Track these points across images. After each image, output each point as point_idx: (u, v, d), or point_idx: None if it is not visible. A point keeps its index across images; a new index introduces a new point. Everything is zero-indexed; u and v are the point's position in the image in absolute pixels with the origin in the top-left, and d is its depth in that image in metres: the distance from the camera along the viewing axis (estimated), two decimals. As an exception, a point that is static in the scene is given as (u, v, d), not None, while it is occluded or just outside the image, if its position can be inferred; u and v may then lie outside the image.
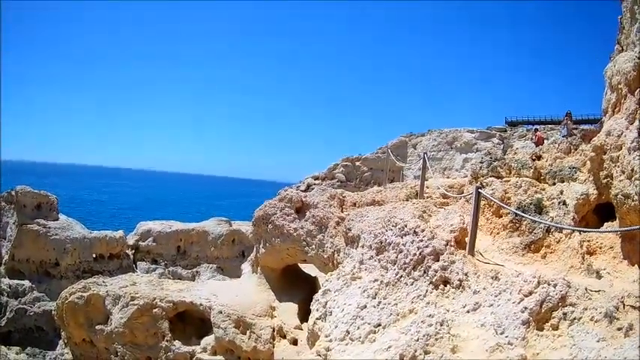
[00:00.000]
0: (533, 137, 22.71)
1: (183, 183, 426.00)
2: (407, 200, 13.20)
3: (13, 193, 45.35)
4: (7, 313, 39.37)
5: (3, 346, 36.83)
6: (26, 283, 41.32)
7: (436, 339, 7.09)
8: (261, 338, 15.92)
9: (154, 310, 18.25)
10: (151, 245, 47.27)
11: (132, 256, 46.98)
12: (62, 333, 21.62)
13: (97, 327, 19.13)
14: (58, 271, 42.41)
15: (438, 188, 13.68)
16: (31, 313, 39.70)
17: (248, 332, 16.22)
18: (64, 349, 32.10)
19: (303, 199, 17.51)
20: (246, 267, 22.58)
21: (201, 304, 17.90)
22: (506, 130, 31.97)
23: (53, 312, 21.29)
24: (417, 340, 7.30)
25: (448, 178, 24.30)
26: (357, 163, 35.92)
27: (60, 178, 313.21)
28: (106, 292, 19.50)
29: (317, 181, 33.14)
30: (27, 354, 36.16)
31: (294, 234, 17.15)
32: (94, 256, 43.87)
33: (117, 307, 18.91)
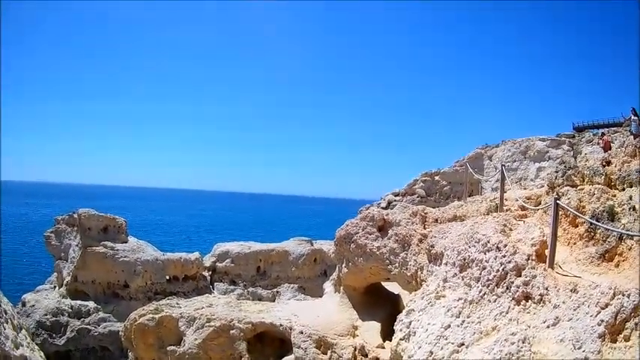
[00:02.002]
0: (600, 142, 22.36)
1: (259, 203, 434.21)
2: (487, 214, 13.20)
3: (75, 215, 47.38)
4: (68, 333, 40.94)
5: None
6: (90, 304, 42.90)
7: (517, 357, 7.19)
8: (342, 358, 16.24)
9: (232, 332, 18.90)
10: (228, 266, 48.35)
11: (209, 278, 48.17)
12: (130, 354, 22.59)
13: (168, 348, 19.91)
14: (127, 293, 43.79)
15: (517, 200, 13.60)
16: (96, 333, 41.21)
17: (329, 352, 16.57)
18: None
19: (385, 217, 17.76)
20: (328, 286, 22.95)
21: (281, 325, 18.41)
22: (574, 136, 31.57)
23: (121, 333, 22.34)
24: (500, 359, 7.48)
25: (525, 189, 24.06)
26: (436, 178, 35.96)
27: (128, 200, 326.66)
28: (180, 313, 20.32)
29: (397, 198, 33.32)
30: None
31: (377, 252, 17.36)
32: (167, 277, 45.07)
33: (191, 328, 19.68)
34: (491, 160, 32.86)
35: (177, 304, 21.68)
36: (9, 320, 17.93)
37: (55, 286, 48.35)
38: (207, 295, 36.52)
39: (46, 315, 41.29)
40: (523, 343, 7.35)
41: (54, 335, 40.55)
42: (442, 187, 35.21)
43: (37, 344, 25.07)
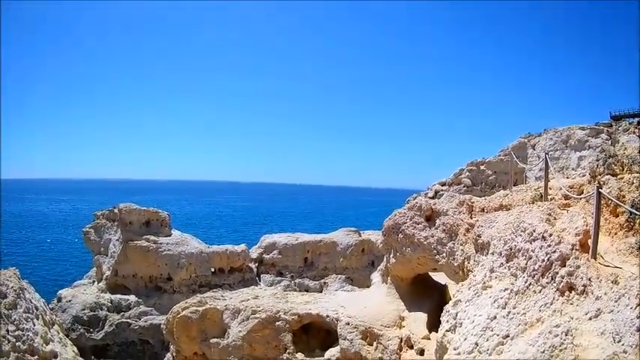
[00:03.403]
0: (636, 131, 22.33)
1: (305, 194, 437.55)
2: (532, 203, 13.22)
3: (115, 210, 48.55)
4: (106, 327, 42.15)
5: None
6: (131, 297, 44.18)
7: (560, 350, 7.26)
8: (387, 349, 16.49)
9: (277, 323, 19.39)
10: (275, 258, 49.08)
11: (255, 269, 48.90)
12: (171, 347, 23.25)
13: (211, 340, 20.53)
14: (170, 286, 44.83)
15: (560, 189, 13.59)
16: (136, 327, 42.43)
17: (375, 343, 16.84)
18: None
19: (433, 207, 17.80)
20: (375, 277, 23.21)
21: (327, 316, 18.80)
22: (611, 125, 31.70)
23: (162, 326, 23.00)
24: (543, 351, 7.46)
25: (567, 178, 24.14)
26: (482, 167, 36.14)
27: (166, 195, 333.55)
28: (225, 305, 20.92)
29: (444, 187, 33.55)
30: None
31: (425, 242, 17.46)
32: (212, 270, 45.97)
33: (236, 320, 20.27)
34: (534, 149, 33.03)
35: (222, 296, 22.30)
36: (40, 316, 19.09)
37: (93, 281, 49.76)
38: (253, 287, 37.15)
39: (83, 310, 42.62)
40: (566, 335, 7.39)
41: (91, 330, 41.79)
42: (487, 176, 35.41)
43: (72, 339, 25.04)
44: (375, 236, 46.27)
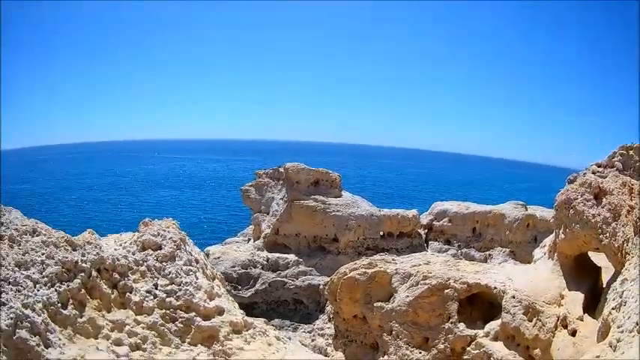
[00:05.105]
0: None
1: (474, 165, 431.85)
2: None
3: (281, 169, 50.48)
4: (258, 285, 44.32)
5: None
6: (290, 256, 46.32)
7: None
8: (545, 327, 16.88)
9: (446, 291, 20.15)
10: (445, 225, 49.95)
11: (424, 236, 50.16)
12: (328, 308, 23.87)
13: (375, 304, 21.61)
14: (335, 247, 46.67)
15: None
16: (291, 286, 44.41)
17: (534, 320, 17.25)
18: (325, 324, 35.34)
19: (600, 185, 17.73)
20: (537, 253, 23.08)
21: (495, 288, 19.32)
22: None
23: (321, 287, 23.85)
24: None
25: None
26: (630, 152, 35.32)
27: (344, 157, 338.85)
28: (395, 269, 21.80)
29: (600, 169, 33.41)
30: (273, 325, 40.28)
31: (592, 220, 17.40)
32: (381, 233, 47.52)
33: (404, 285, 21.17)
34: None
35: (393, 259, 23.13)
36: (201, 269, 18.87)
37: (248, 239, 52.09)
38: (424, 252, 37.89)
39: (233, 267, 45.24)
40: None
41: (239, 287, 44.10)
42: (635, 161, 34.72)
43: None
44: (539, 212, 46.03)
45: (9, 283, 12.97)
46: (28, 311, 12.45)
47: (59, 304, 14.09)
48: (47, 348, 12.24)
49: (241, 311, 18.74)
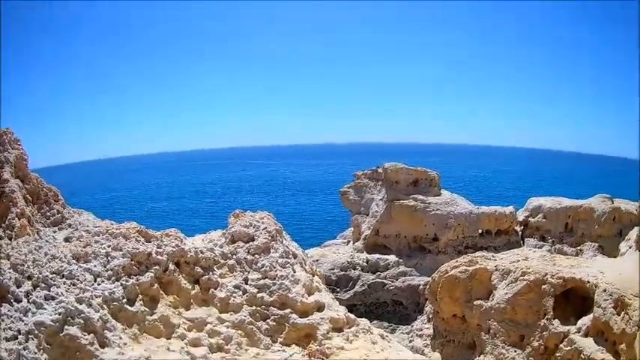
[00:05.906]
0: None
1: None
2: None
3: (380, 170, 50.56)
4: (357, 287, 44.27)
5: None
6: (391, 257, 46.33)
7: None
8: (631, 320, 16.65)
9: (543, 287, 20.16)
10: (540, 222, 49.30)
11: (520, 233, 49.60)
12: (427, 308, 23.83)
13: (475, 302, 21.84)
14: (435, 246, 46.74)
15: None
16: (391, 287, 44.36)
17: (622, 313, 17.08)
18: (423, 325, 35.18)
19: None
20: (623, 246, 22.89)
21: (588, 282, 19.29)
22: None
23: (421, 287, 23.88)
24: None
25: None
26: None
27: (439, 157, 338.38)
28: (495, 266, 21.93)
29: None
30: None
31: None
32: (479, 231, 47.40)
33: (504, 282, 21.22)
34: None
35: (493, 256, 23.22)
36: (299, 264, 17.97)
37: (348, 241, 52.31)
38: (522, 248, 37.34)
39: (332, 269, 45.34)
40: None
41: (338, 289, 43.89)
42: None
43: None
44: (624, 205, 45.55)
45: (62, 276, 12.66)
46: (82, 306, 12.05)
47: (124, 300, 13.66)
48: (102, 347, 11.77)
49: (343, 307, 17.77)
